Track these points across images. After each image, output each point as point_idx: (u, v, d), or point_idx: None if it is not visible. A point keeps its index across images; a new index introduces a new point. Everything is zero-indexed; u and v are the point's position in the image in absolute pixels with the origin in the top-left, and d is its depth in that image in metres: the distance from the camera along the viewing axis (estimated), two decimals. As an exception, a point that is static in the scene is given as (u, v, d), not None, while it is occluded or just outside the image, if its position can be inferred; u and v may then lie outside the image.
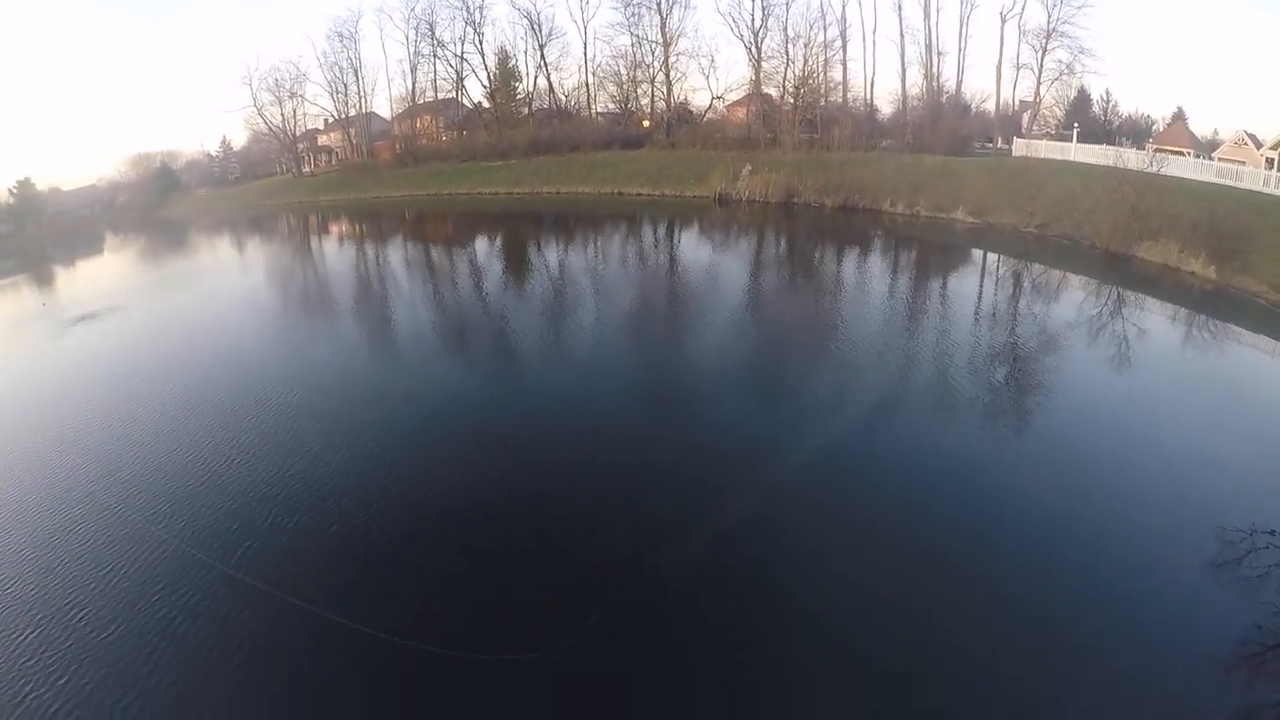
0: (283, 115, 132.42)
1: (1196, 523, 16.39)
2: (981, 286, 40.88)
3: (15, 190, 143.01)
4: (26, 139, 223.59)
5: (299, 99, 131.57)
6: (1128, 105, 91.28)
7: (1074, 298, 36.91)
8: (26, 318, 54.07)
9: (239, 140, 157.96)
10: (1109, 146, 64.50)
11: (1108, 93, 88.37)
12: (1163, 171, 47.85)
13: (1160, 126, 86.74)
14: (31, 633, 14.84)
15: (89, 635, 14.68)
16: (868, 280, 42.77)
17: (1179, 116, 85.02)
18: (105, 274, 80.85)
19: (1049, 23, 79.41)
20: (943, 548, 15.94)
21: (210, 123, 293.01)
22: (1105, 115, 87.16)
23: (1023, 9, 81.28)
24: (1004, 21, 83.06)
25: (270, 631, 14.68)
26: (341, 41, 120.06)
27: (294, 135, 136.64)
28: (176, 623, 15.02)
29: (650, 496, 18.73)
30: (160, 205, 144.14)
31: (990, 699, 12.28)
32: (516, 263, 56.14)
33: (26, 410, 30.89)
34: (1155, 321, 32.94)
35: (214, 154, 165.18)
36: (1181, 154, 61.76)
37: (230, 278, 64.78)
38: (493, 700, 12.58)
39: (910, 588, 14.61)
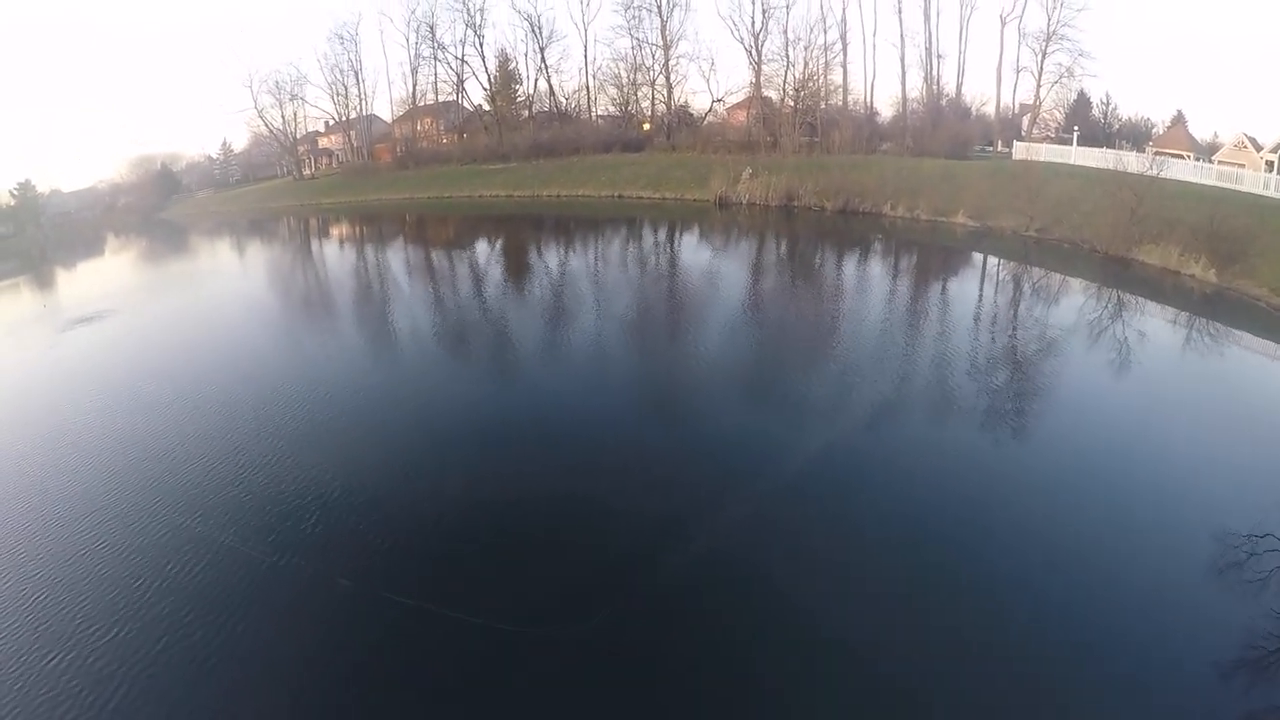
0: (283, 117, 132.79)
1: (1198, 527, 16.39)
2: (981, 290, 40.94)
3: (16, 192, 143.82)
4: (27, 141, 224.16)
5: (300, 101, 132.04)
6: (1127, 108, 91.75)
7: (1074, 301, 36.92)
8: (26, 319, 54.13)
9: (240, 143, 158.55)
10: (1109, 150, 64.65)
11: (1107, 96, 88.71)
12: (1162, 175, 47.85)
13: (1160, 129, 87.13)
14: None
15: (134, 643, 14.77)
16: (868, 284, 42.85)
17: (1179, 119, 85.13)
18: (106, 276, 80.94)
19: (1049, 25, 79.53)
20: (942, 550, 16.00)
21: (211, 125, 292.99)
22: (1105, 118, 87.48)
23: (1023, 12, 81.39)
24: (1004, 24, 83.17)
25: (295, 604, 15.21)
26: (342, 44, 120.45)
27: (295, 138, 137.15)
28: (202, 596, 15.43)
29: (650, 498, 18.80)
30: (161, 207, 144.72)
31: (991, 704, 12.25)
32: (518, 266, 56.22)
33: (22, 411, 31.04)
34: (1156, 325, 32.98)
35: (215, 156, 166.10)
36: (1181, 157, 61.78)
37: (231, 281, 64.87)
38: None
39: (909, 590, 14.72)
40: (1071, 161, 63.31)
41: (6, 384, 35.84)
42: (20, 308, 64.17)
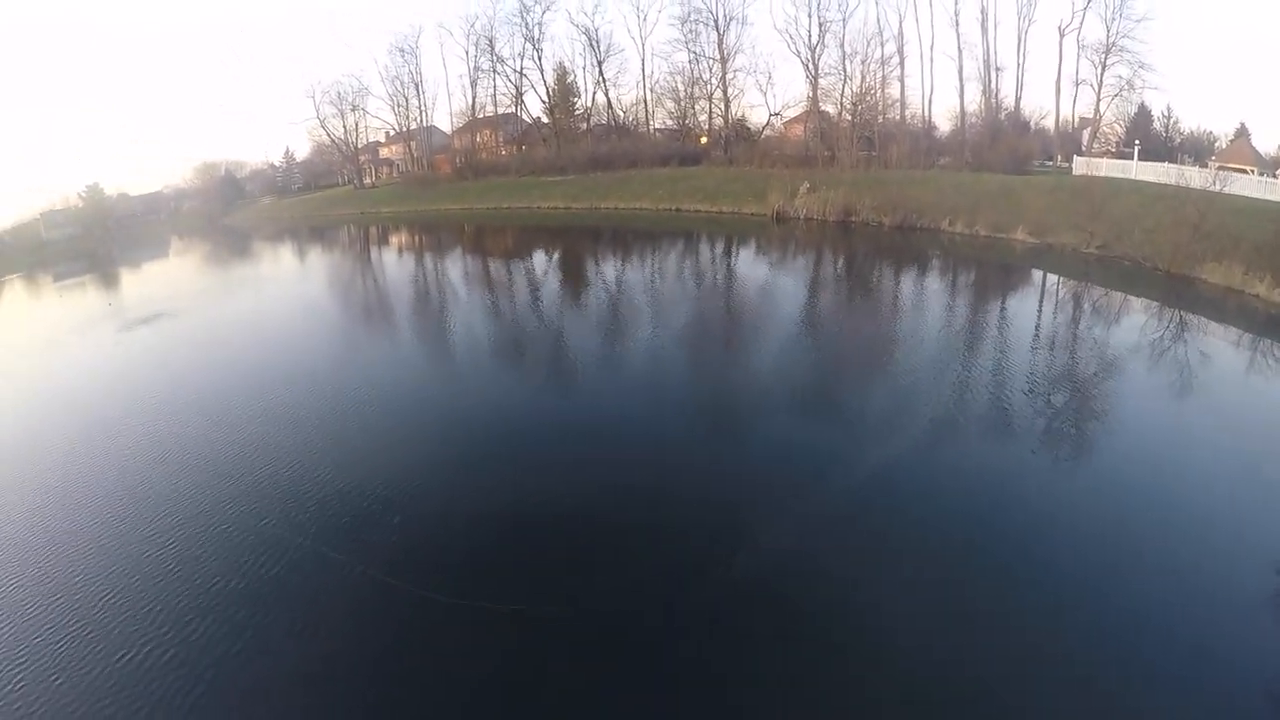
0: (345, 128, 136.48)
1: (1258, 559, 16.44)
2: (1040, 309, 40.97)
3: (84, 195, 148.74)
4: (95, 146, 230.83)
5: (361, 112, 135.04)
6: (1189, 122, 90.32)
7: (1135, 321, 36.93)
8: (93, 318, 56.11)
9: (302, 151, 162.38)
10: (1171, 164, 64.00)
11: (1169, 109, 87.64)
12: (1226, 190, 47.53)
13: (1223, 143, 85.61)
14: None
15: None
16: (925, 301, 43.11)
17: (1242, 133, 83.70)
18: (170, 277, 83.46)
19: (1108, 37, 79.17)
20: (992, 573, 16.27)
21: (274, 134, 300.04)
22: (1166, 132, 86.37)
23: (1081, 23, 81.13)
24: (1062, 36, 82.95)
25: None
26: (403, 56, 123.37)
27: (356, 147, 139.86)
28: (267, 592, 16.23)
29: (701, 509, 19.39)
30: (224, 213, 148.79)
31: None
32: (575, 277, 57.55)
33: (86, 406, 32.66)
34: (1218, 346, 32.88)
35: (277, 164, 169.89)
36: (1245, 172, 61.02)
37: (292, 285, 67.13)
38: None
39: (958, 614, 14.93)
40: (1133, 177, 62.76)
41: (71, 380, 37.53)
42: (87, 306, 66.55)
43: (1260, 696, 12.84)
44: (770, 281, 50.66)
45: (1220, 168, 59.48)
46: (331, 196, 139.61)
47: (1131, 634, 14.15)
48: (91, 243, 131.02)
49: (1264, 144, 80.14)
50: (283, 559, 18.24)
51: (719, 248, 68.38)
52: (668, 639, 14.63)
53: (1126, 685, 12.97)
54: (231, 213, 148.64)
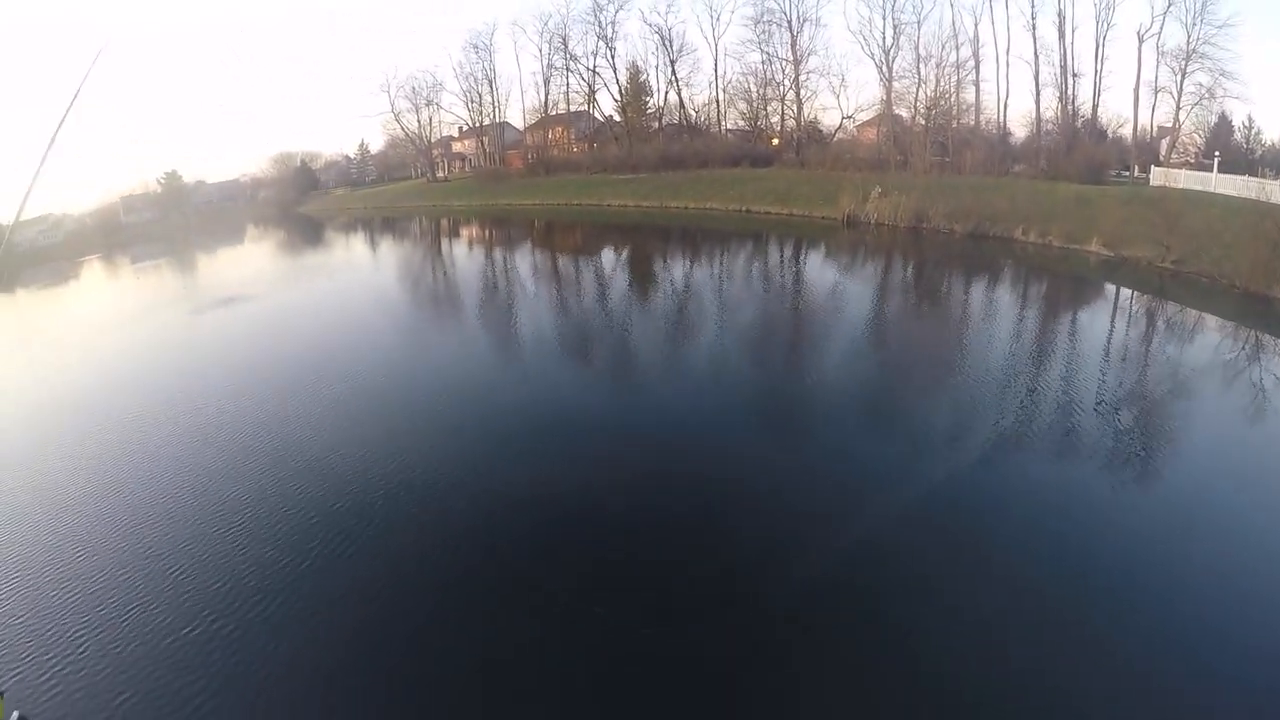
0: (419, 122, 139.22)
1: None
2: (1112, 325, 41.01)
3: (163, 181, 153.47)
4: (179, 134, 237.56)
5: (434, 107, 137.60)
6: (1272, 133, 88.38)
7: (1208, 340, 36.81)
8: (168, 299, 58.45)
9: (376, 144, 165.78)
10: (1251, 177, 62.94)
11: (1250, 119, 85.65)
12: (1307, 206, 46.83)
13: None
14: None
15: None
16: (994, 313, 43.54)
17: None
18: (245, 262, 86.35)
19: (1188, 43, 77.82)
20: (1051, 594, 16.31)
21: (349, 127, 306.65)
22: (1248, 143, 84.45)
23: (1161, 28, 79.80)
24: (1141, 42, 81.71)
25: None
26: (477, 53, 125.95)
27: (429, 141, 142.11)
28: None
29: (756, 515, 19.95)
30: (299, 202, 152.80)
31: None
32: (643, 274, 59.22)
33: (161, 383, 35.38)
34: (1293, 369, 32.57)
35: (351, 156, 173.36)
36: (1330, 187, 59.82)
37: (363, 274, 69.66)
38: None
39: (1014, 632, 15.14)
40: (1212, 189, 61.98)
41: (143, 359, 39.51)
42: (163, 287, 69.25)
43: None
44: (839, 287, 51.44)
45: (1303, 182, 58.36)
46: (404, 189, 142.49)
47: (1185, 663, 14.30)
48: (169, 227, 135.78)
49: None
50: (349, 543, 19.36)
51: (788, 251, 69.16)
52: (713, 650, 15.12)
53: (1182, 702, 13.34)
54: (305, 202, 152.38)
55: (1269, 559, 17.85)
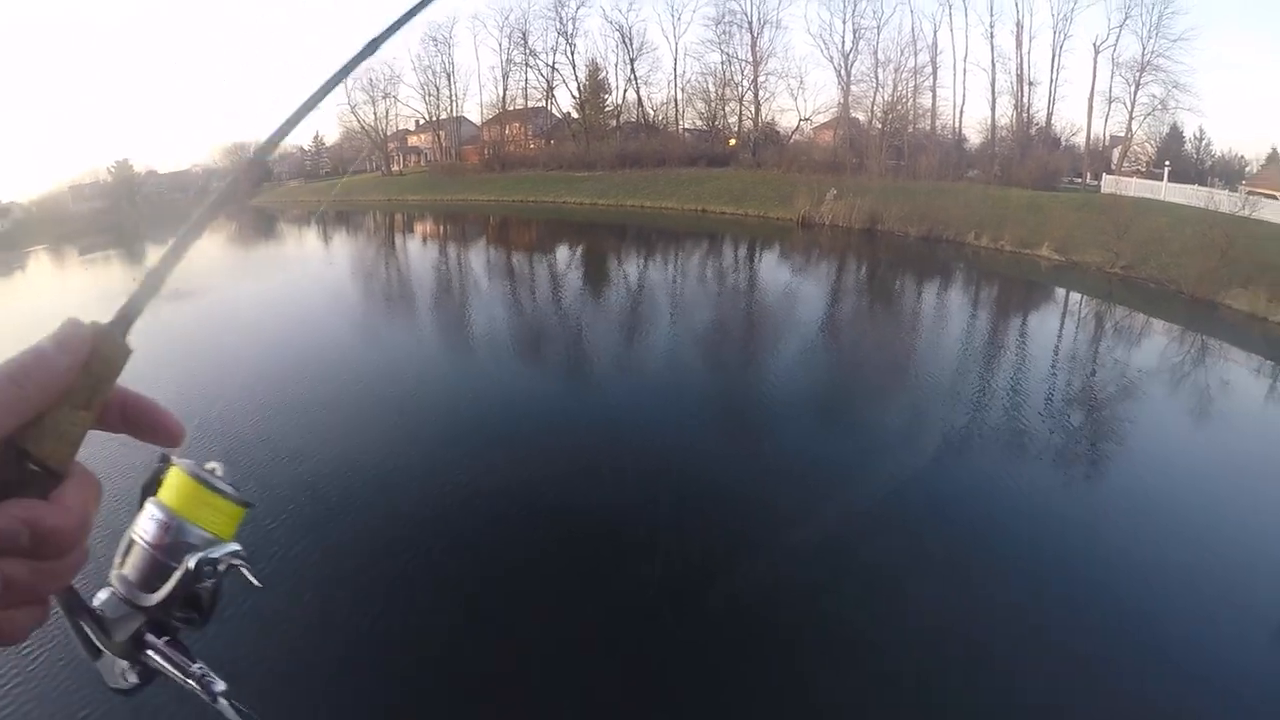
0: (375, 115, 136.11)
1: (1273, 592, 16.23)
2: (1061, 328, 41.02)
3: (113, 170, 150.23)
4: (124, 123, 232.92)
5: (392, 99, 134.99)
6: (1221, 144, 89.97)
7: (1155, 344, 36.88)
8: (117, 291, 56.83)
9: (331, 136, 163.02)
10: (1200, 187, 63.76)
11: (1201, 130, 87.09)
12: (1255, 215, 47.35)
13: (1254, 168, 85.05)
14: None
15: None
16: (945, 315, 43.29)
17: (1274, 158, 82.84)
18: (195, 254, 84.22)
19: (1143, 55, 78.77)
20: (1004, 590, 16.06)
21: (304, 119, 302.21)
22: (1198, 154, 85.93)
23: (1116, 40, 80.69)
24: (1097, 53, 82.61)
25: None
26: (435, 46, 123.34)
27: (385, 134, 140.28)
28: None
29: (713, 515, 19.22)
30: (252, 194, 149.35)
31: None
32: (597, 274, 58.04)
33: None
34: (1239, 374, 32.84)
35: (306, 148, 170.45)
36: (1275, 197, 60.59)
37: (315, 266, 67.81)
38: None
39: (973, 631, 14.68)
40: (1161, 198, 62.67)
41: None
42: (112, 279, 67.58)
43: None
44: (793, 287, 50.81)
45: (1250, 192, 59.11)
46: (359, 182, 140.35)
47: (1135, 667, 13.92)
48: (118, 217, 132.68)
49: (1296, 170, 79.73)
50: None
51: (742, 251, 68.57)
52: (657, 653, 14.25)
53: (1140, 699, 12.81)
54: (259, 194, 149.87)
55: (1204, 550, 17.51)
